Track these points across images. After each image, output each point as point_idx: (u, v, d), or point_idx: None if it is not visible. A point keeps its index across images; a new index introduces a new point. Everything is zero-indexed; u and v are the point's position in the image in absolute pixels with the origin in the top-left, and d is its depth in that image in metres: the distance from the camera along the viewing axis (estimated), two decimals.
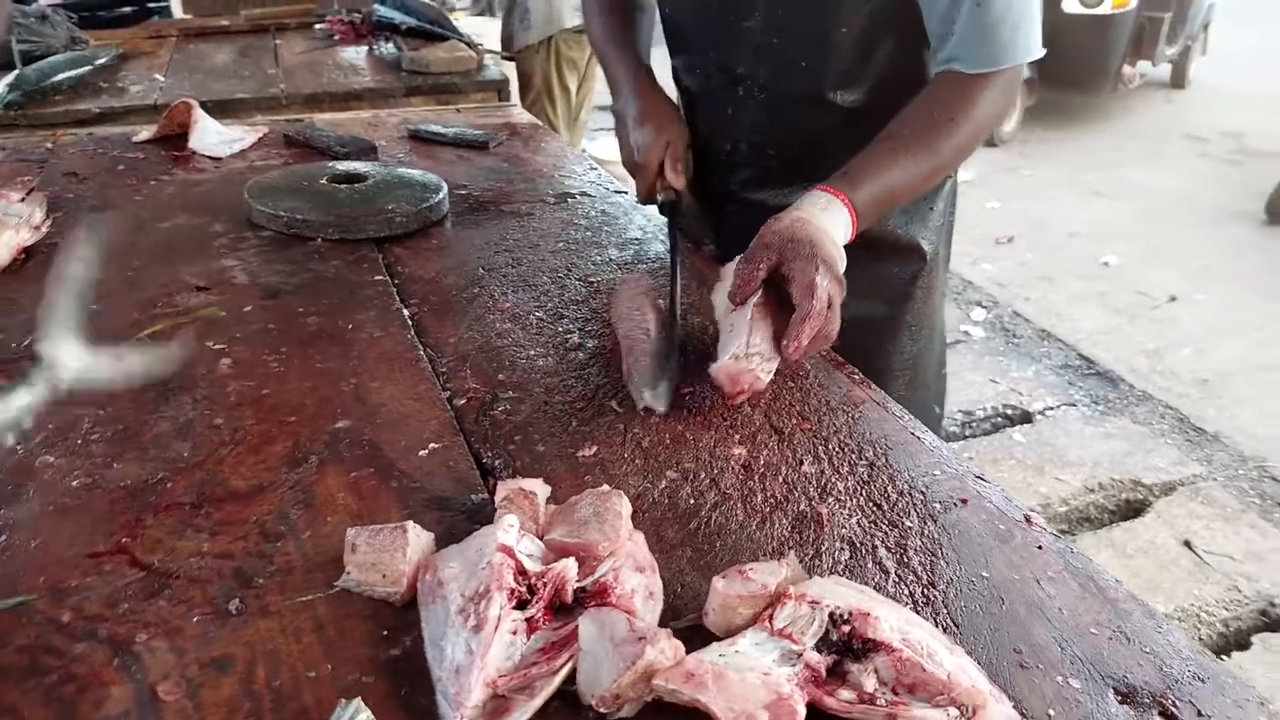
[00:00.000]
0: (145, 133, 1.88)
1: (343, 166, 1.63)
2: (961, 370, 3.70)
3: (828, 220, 1.05)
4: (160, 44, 3.06)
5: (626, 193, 1.69)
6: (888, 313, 1.41)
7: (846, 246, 1.07)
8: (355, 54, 3.02)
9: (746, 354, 0.98)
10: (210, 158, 1.77)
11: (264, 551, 0.78)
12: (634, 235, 1.49)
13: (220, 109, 2.08)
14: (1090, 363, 3.85)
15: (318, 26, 3.28)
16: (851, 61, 1.25)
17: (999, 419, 3.49)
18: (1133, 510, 3.00)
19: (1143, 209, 5.40)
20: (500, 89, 2.83)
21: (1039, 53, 1.14)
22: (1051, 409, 3.55)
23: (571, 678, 0.66)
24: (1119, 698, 0.70)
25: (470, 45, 2.93)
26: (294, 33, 3.32)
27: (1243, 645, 2.49)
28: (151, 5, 3.80)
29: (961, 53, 1.13)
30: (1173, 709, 0.69)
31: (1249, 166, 6.04)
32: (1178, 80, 7.66)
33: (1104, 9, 6.05)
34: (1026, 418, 3.49)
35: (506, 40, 3.47)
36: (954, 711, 0.64)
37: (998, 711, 0.64)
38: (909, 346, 1.44)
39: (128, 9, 3.69)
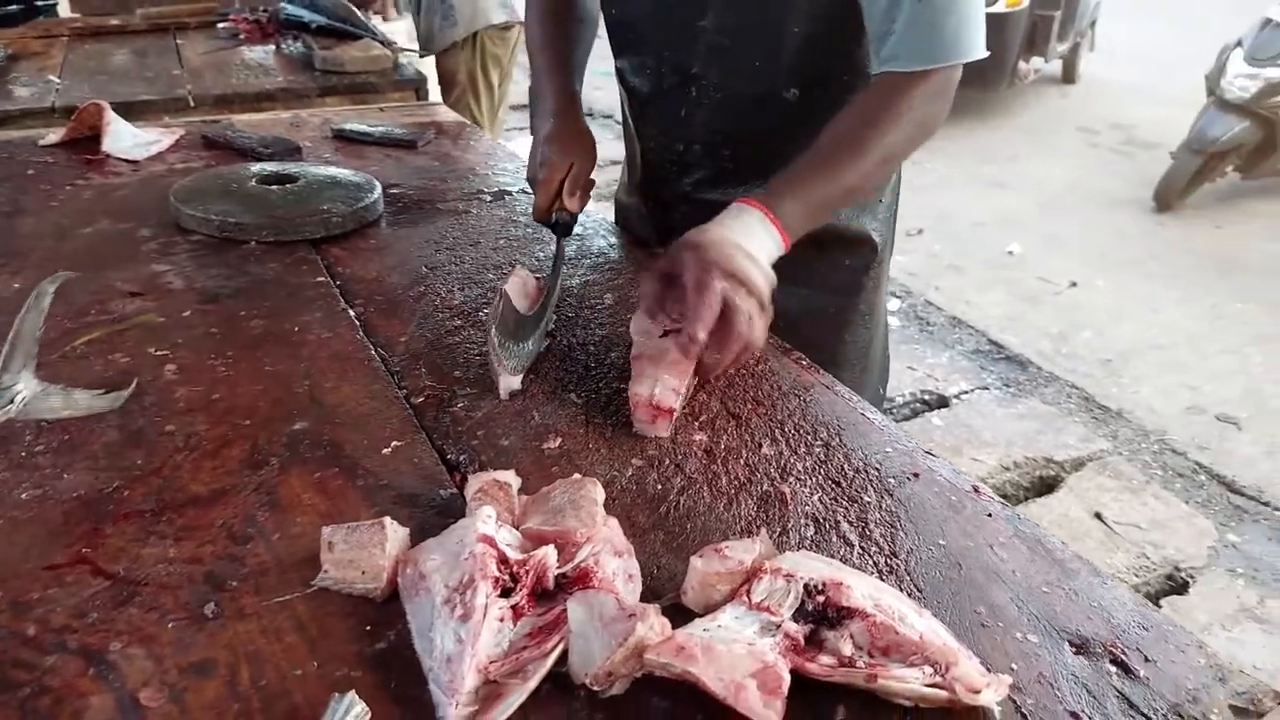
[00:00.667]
0: (53, 136, 1.81)
1: (271, 168, 1.60)
2: None
3: (738, 228, 1.04)
4: (51, 44, 2.93)
5: None
6: (843, 303, 1.44)
7: (801, 242, 1.08)
8: (263, 53, 2.94)
9: (654, 393, 0.97)
10: (126, 161, 1.72)
11: (234, 554, 0.77)
12: (575, 231, 1.50)
13: (124, 111, 2.00)
14: (1000, 347, 4.00)
15: (220, 26, 3.18)
16: (803, 60, 1.26)
17: (917, 404, 3.60)
18: (1046, 486, 3.14)
19: (1041, 199, 5.63)
20: (418, 88, 2.81)
21: (981, 53, 1.14)
22: (966, 393, 3.68)
23: (561, 660, 0.67)
24: (1074, 649, 0.74)
25: (385, 44, 2.89)
26: (195, 32, 3.21)
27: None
28: (39, 4, 3.65)
29: (901, 50, 1.12)
30: (1122, 656, 0.73)
31: (1137, 157, 6.36)
32: (1069, 75, 8.01)
33: (999, 8, 6.29)
34: (943, 402, 3.61)
35: (427, 38, 3.43)
36: (929, 669, 0.67)
37: (969, 666, 0.67)
38: (863, 335, 1.47)
39: (14, 7, 3.53)
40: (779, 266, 1.05)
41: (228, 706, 0.63)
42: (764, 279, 1.01)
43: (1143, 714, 0.69)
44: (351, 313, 1.20)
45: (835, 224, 1.37)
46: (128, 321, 1.13)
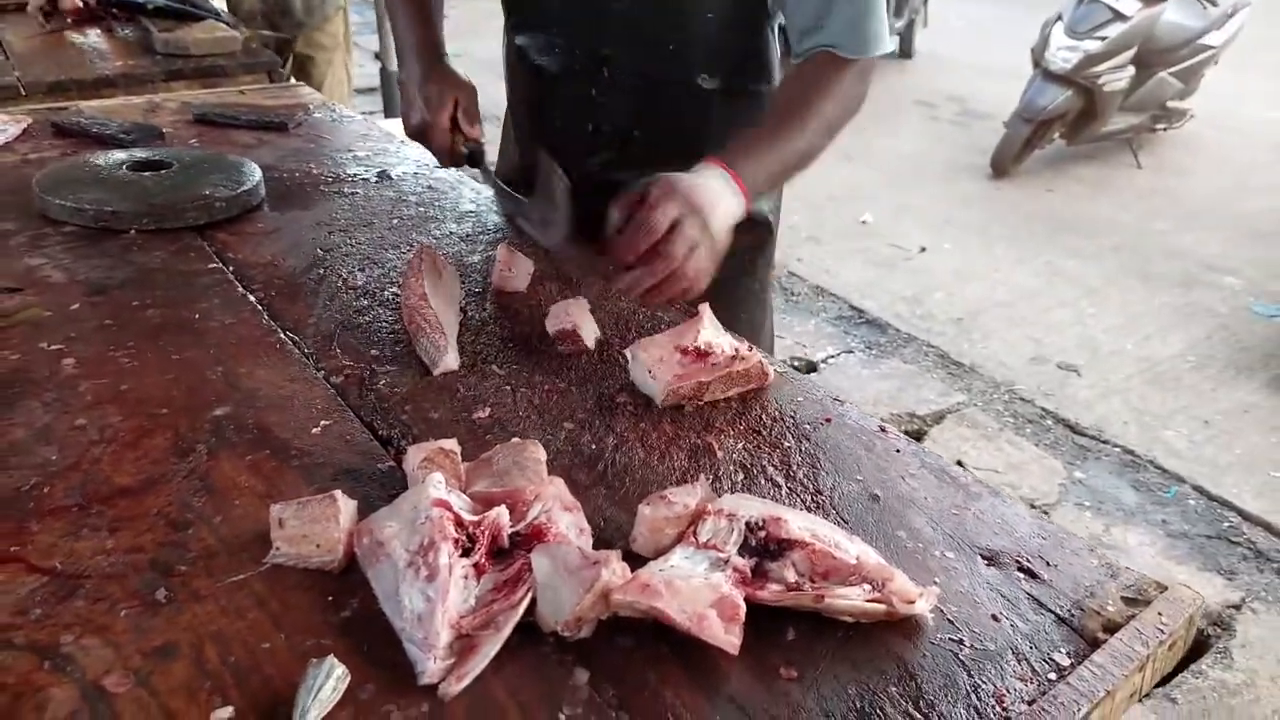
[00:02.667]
0: None
1: (140, 154, 1.53)
2: None
3: (703, 180, 1.08)
4: None
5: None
6: (738, 282, 1.48)
7: None
8: (95, 37, 2.77)
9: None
10: None
11: (176, 540, 0.76)
12: (468, 209, 1.50)
13: None
14: (861, 312, 4.19)
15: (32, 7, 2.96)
16: (717, 47, 1.30)
17: (789, 370, 3.74)
18: (912, 438, 3.33)
19: (887, 170, 5.91)
20: (271, 70, 2.71)
21: (893, 46, 1.25)
22: (833, 357, 3.85)
23: (529, 610, 0.69)
24: (986, 562, 0.82)
25: (230, 25, 2.77)
26: (13, 15, 2.98)
27: None
28: None
29: (835, 41, 1.19)
30: (1028, 563, 0.82)
31: (973, 128, 6.74)
32: (905, 51, 8.39)
33: None
34: (812, 367, 3.77)
35: (306, 10, 3.27)
36: (867, 587, 0.73)
37: (903, 581, 0.73)
38: (758, 313, 1.54)
39: None
40: None
41: (199, 685, 0.63)
42: (720, 222, 1.06)
43: (1051, 610, 0.77)
44: (252, 298, 1.17)
45: None
46: (11, 318, 1.07)
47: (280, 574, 0.73)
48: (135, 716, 0.61)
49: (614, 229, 1.07)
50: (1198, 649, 2.51)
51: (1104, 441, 3.32)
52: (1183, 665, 2.45)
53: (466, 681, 0.64)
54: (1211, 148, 6.33)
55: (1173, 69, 5.58)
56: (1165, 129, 6.04)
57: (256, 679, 0.64)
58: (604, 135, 1.41)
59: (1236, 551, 2.81)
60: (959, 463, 3.18)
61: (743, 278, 1.49)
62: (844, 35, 1.19)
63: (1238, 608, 2.60)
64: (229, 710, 0.61)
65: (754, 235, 1.48)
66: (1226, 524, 2.91)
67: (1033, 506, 2.99)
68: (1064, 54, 5.24)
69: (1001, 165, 5.63)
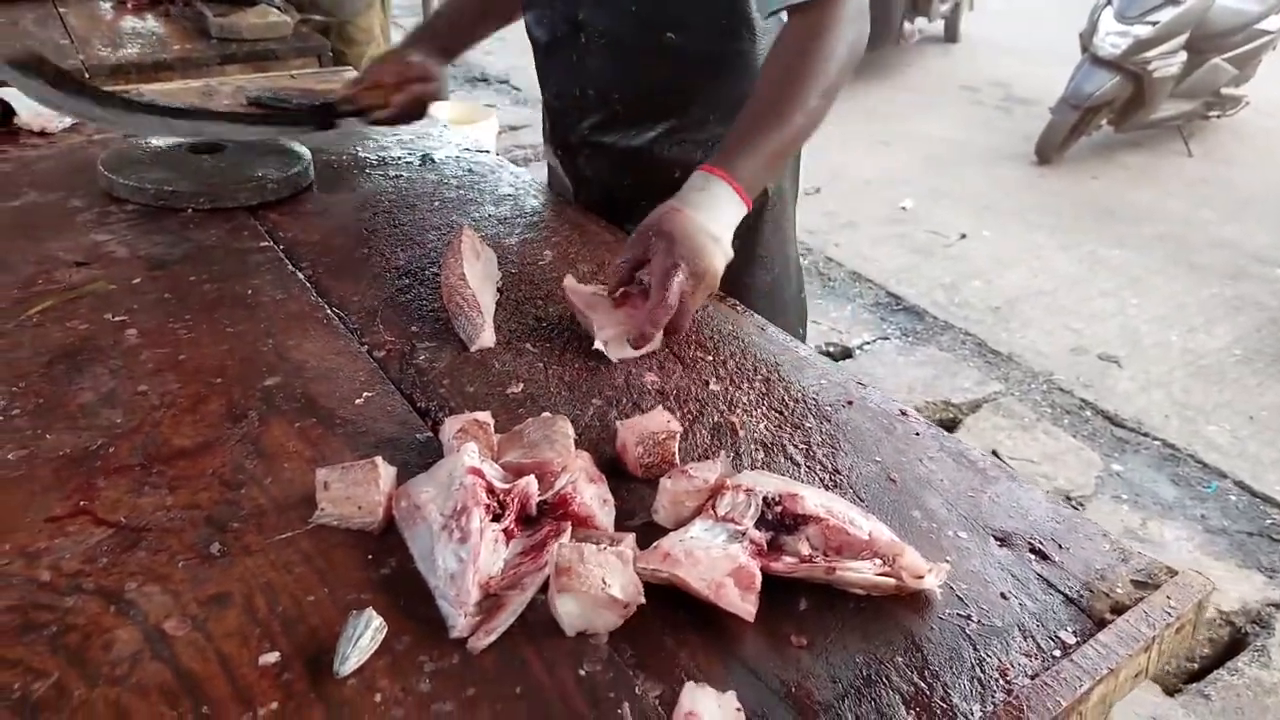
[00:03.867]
0: None
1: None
2: None
3: (705, 203, 1.10)
4: None
5: (489, 151, 1.74)
6: (738, 247, 1.50)
7: None
8: (153, 22, 2.85)
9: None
10: (40, 133, 1.67)
11: (230, 499, 0.81)
12: (506, 192, 1.55)
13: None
14: (897, 299, 4.19)
15: None
16: (680, 4, 1.32)
17: (824, 356, 3.76)
18: (946, 427, 3.30)
19: (927, 156, 5.86)
20: (320, 54, 2.78)
21: None
22: (868, 344, 3.85)
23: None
24: (998, 543, 0.85)
25: (281, 9, 2.84)
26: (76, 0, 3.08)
27: None
28: None
29: None
30: (1040, 546, 0.84)
31: (1017, 113, 6.66)
32: (951, 35, 8.30)
33: None
34: (847, 353, 3.78)
35: (324, 4, 3.35)
36: (879, 561, 0.77)
37: (914, 556, 0.77)
38: (764, 277, 1.54)
39: None
40: None
41: (250, 631, 0.68)
42: (724, 263, 1.11)
43: (1059, 591, 0.80)
44: (300, 275, 1.23)
45: None
46: (79, 290, 1.14)
47: (325, 533, 0.78)
48: (192, 658, 0.66)
49: (615, 289, 1.12)
50: (1235, 646, 2.50)
51: (1144, 434, 3.30)
52: (1219, 662, 2.45)
53: (494, 636, 0.69)
54: (1265, 136, 6.19)
55: (1227, 55, 5.46)
56: (1218, 116, 5.92)
57: (302, 628, 0.69)
58: (589, 100, 1.46)
59: (1278, 549, 2.78)
60: (994, 452, 3.20)
61: (741, 240, 1.50)
62: None
63: (1278, 606, 2.58)
64: (276, 655, 0.66)
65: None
66: (1269, 521, 2.88)
67: (1067, 499, 2.99)
68: (1113, 39, 5.15)
69: (1046, 152, 5.56)
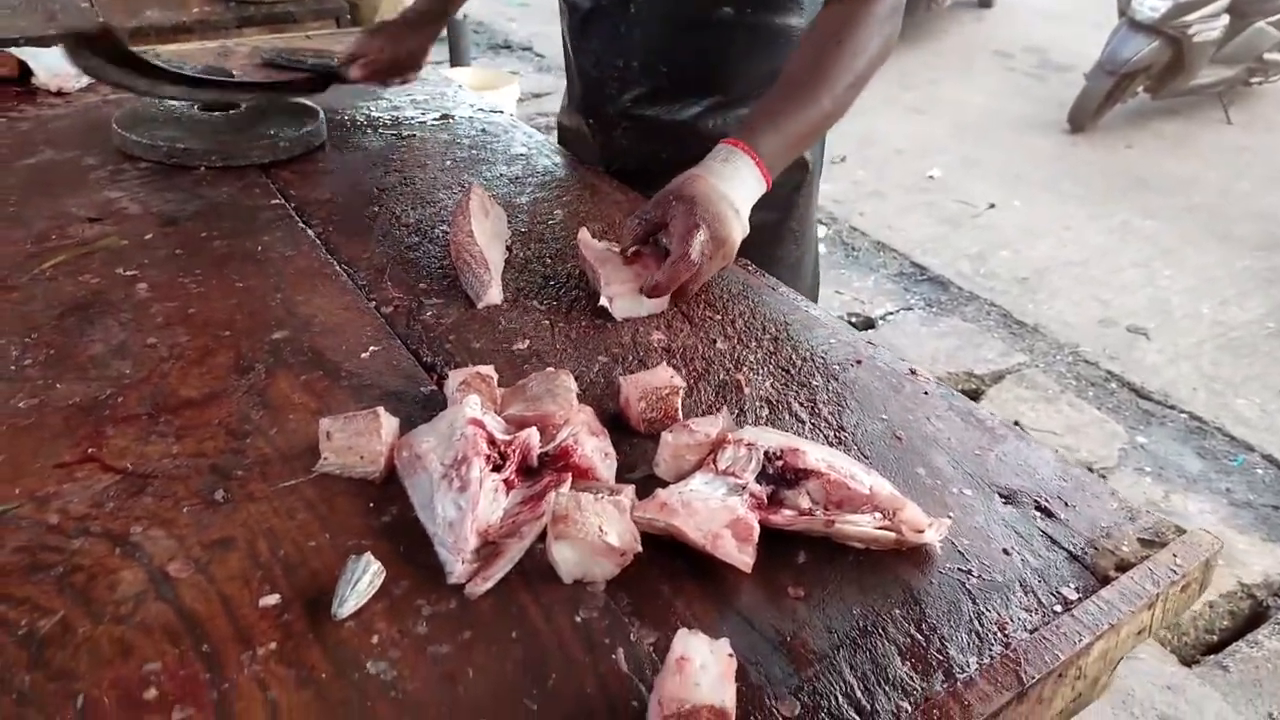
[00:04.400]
0: None
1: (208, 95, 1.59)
2: None
3: (727, 174, 1.10)
4: None
5: (502, 111, 1.73)
6: (774, 220, 1.49)
7: None
8: None
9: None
10: (57, 92, 1.69)
11: (235, 448, 0.82)
12: (519, 151, 1.54)
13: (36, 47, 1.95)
14: (922, 269, 4.15)
15: None
16: None
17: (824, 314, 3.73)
18: (969, 398, 3.30)
19: (958, 123, 5.78)
20: (339, 16, 2.78)
21: None
22: (891, 314, 3.82)
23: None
24: (1003, 500, 0.84)
25: None
26: None
27: None
28: None
29: None
30: (1045, 503, 0.84)
31: (1051, 80, 6.54)
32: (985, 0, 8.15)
33: None
34: (870, 323, 3.75)
35: None
36: (878, 515, 0.76)
37: (914, 510, 0.76)
38: (793, 250, 1.54)
39: None
40: None
41: (252, 574, 0.69)
42: (741, 233, 1.10)
43: (1063, 548, 0.79)
44: (311, 232, 1.23)
45: None
46: (91, 245, 1.15)
47: (327, 481, 0.79)
48: (195, 598, 0.67)
49: (629, 245, 1.11)
50: (1256, 619, 2.48)
51: (1170, 407, 3.25)
52: (1238, 634, 2.43)
53: (492, 583, 0.69)
54: None
55: (1272, 19, 5.31)
56: (1260, 83, 5.78)
57: (303, 572, 0.70)
58: (633, 71, 1.43)
59: None
60: (1016, 423, 3.17)
61: (777, 214, 1.49)
62: None
63: None
64: (276, 597, 0.67)
65: (789, 173, 1.48)
66: None
67: (1090, 470, 2.96)
68: (1152, 2, 5.03)
69: (1080, 120, 5.45)
